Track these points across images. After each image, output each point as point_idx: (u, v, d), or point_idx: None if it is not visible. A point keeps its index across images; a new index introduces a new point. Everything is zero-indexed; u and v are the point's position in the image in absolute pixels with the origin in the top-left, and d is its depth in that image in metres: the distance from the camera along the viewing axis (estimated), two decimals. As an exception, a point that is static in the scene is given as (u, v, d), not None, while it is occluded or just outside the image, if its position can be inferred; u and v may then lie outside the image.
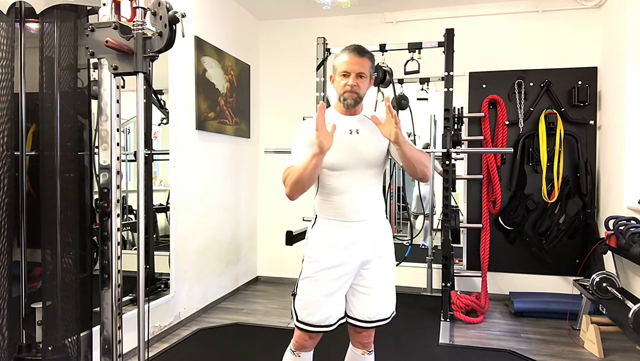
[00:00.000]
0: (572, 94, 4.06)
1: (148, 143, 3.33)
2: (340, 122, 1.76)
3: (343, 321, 1.84)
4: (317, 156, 1.61)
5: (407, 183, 5.90)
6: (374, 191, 1.82)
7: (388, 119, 1.65)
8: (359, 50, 1.78)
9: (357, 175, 1.77)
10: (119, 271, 1.67)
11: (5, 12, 1.65)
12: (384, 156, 1.82)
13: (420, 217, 5.77)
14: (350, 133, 1.78)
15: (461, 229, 3.94)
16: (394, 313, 1.90)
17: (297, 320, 1.81)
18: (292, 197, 1.72)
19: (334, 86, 1.81)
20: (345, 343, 1.98)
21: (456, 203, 3.98)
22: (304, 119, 2.22)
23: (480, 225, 4.05)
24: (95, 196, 1.70)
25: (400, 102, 4.15)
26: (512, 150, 3.98)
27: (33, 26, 1.70)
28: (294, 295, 1.85)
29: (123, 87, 1.69)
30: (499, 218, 4.20)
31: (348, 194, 1.77)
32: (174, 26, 1.54)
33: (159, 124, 3.55)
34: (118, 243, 1.66)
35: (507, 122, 4.18)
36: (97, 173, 1.66)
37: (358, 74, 1.75)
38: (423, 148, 5.27)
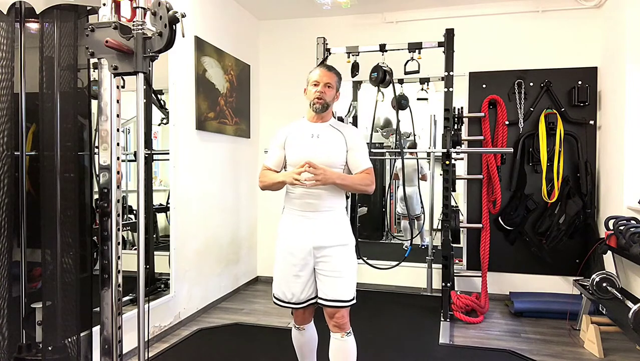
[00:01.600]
0: (572, 94, 4.06)
1: (148, 143, 3.33)
2: (306, 128, 2.16)
3: (313, 301, 2.14)
4: (284, 183, 2.07)
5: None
6: (329, 188, 2.07)
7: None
8: (328, 67, 2.19)
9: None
10: (119, 271, 1.67)
11: (5, 12, 1.65)
12: (339, 161, 2.11)
13: (414, 219, 5.73)
14: (312, 137, 2.12)
15: (461, 229, 3.94)
16: (354, 301, 2.10)
17: (273, 294, 2.23)
18: (261, 188, 2.22)
19: (306, 96, 2.18)
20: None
21: (456, 203, 3.98)
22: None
23: (480, 225, 4.05)
24: (95, 196, 1.70)
25: (400, 102, 4.15)
26: (512, 150, 3.98)
27: (33, 26, 1.70)
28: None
29: (123, 87, 1.69)
30: (499, 218, 4.20)
31: (303, 188, 2.04)
32: (174, 26, 1.54)
33: (159, 124, 3.55)
34: (118, 243, 1.66)
35: (507, 122, 4.18)
36: (97, 173, 1.66)
37: (326, 84, 2.12)
38: (409, 147, 5.26)
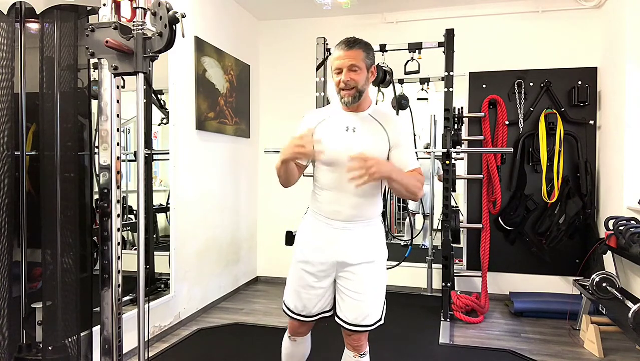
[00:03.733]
0: (572, 94, 4.06)
1: (148, 143, 3.33)
2: (338, 118, 1.75)
3: (328, 315, 1.85)
4: (284, 163, 1.65)
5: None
6: (363, 194, 1.72)
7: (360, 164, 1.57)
8: (348, 42, 1.69)
9: (346, 174, 1.64)
10: (119, 271, 1.67)
11: (5, 12, 1.65)
12: (381, 158, 1.71)
13: (418, 216, 5.78)
14: (346, 130, 1.73)
15: (461, 229, 3.94)
16: (381, 322, 1.82)
17: (284, 303, 1.90)
18: (284, 186, 1.81)
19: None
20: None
21: (456, 203, 3.98)
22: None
23: (480, 225, 4.05)
24: (95, 196, 1.70)
25: (400, 102, 4.15)
26: (512, 150, 3.98)
27: (33, 26, 1.71)
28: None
29: (123, 87, 1.69)
30: (499, 218, 4.20)
31: (334, 191, 1.75)
32: (174, 26, 1.54)
33: (159, 124, 3.55)
34: (118, 243, 1.66)
35: (507, 122, 4.18)
36: (97, 173, 1.66)
37: (350, 68, 1.67)
38: (424, 148, 5.29)
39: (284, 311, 1.89)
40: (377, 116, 1.77)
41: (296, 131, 1.80)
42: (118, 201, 1.66)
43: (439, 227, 3.74)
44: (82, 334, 1.72)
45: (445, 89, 3.55)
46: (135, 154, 2.79)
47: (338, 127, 1.74)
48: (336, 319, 1.82)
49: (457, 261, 4.21)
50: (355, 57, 1.68)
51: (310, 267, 1.79)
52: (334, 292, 1.83)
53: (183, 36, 1.60)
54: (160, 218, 3.64)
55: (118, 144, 1.65)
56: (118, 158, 1.65)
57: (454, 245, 3.69)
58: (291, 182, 1.78)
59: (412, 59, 3.69)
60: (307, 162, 1.80)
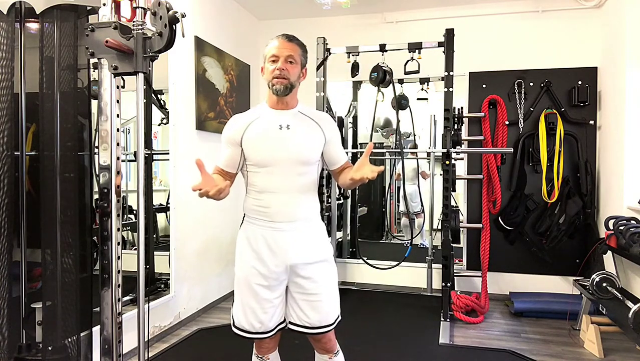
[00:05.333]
0: (572, 94, 4.06)
1: (148, 143, 3.33)
2: (270, 116, 1.72)
3: (283, 326, 1.79)
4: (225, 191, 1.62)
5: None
6: (305, 191, 1.73)
7: (364, 162, 1.59)
8: (288, 36, 1.72)
9: (286, 173, 1.67)
10: (119, 271, 1.67)
11: (5, 12, 1.65)
12: (317, 155, 1.74)
13: (414, 217, 5.81)
14: (280, 128, 1.70)
15: (461, 229, 3.94)
16: (339, 318, 1.81)
17: (234, 325, 1.78)
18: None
19: (264, 76, 1.74)
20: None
21: (456, 203, 3.98)
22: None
23: (480, 225, 4.05)
24: (95, 196, 1.70)
25: (400, 102, 4.15)
26: (512, 150, 3.98)
27: (33, 26, 1.71)
28: (233, 301, 1.80)
29: (123, 87, 1.69)
30: (499, 218, 4.20)
31: (275, 193, 1.70)
32: (174, 26, 1.54)
33: (159, 124, 3.55)
34: (118, 243, 1.66)
35: (507, 122, 4.17)
36: (97, 173, 1.66)
37: (287, 59, 1.67)
38: (410, 148, 5.32)
39: (238, 334, 1.77)
40: (308, 112, 1.78)
41: (223, 134, 1.76)
42: (118, 201, 1.66)
43: (439, 227, 3.74)
44: (82, 334, 1.72)
45: (445, 89, 3.55)
46: (135, 154, 2.79)
47: (271, 126, 1.70)
48: (295, 328, 1.76)
49: (457, 261, 4.21)
50: (294, 50, 1.70)
51: (261, 279, 1.70)
52: (285, 302, 1.78)
53: (183, 36, 1.60)
54: (160, 218, 3.64)
55: (118, 144, 1.65)
56: (118, 158, 1.65)
57: (454, 245, 3.69)
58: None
59: (412, 59, 3.69)
60: (236, 169, 1.78)
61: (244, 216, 1.82)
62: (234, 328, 1.79)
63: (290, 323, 1.78)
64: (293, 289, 1.75)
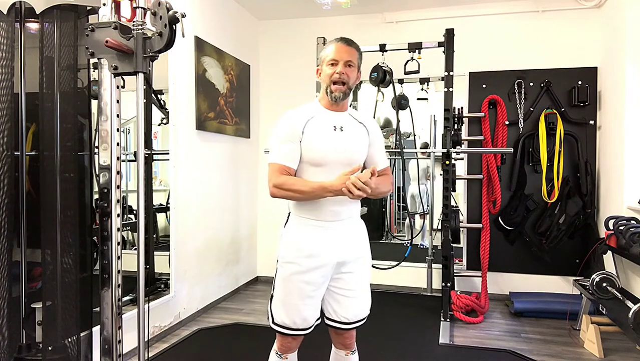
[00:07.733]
0: (572, 94, 4.06)
1: (148, 143, 3.33)
2: (324, 117, 1.75)
3: (319, 322, 1.82)
4: (329, 192, 1.62)
5: (406, 182, 5.92)
6: None
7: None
8: (347, 41, 1.74)
9: (335, 173, 1.67)
10: (119, 271, 1.67)
11: (5, 12, 1.65)
12: (362, 159, 1.80)
13: (418, 216, 5.83)
14: (335, 130, 1.73)
15: (461, 229, 3.94)
16: (368, 312, 1.89)
17: (274, 323, 1.81)
18: (274, 197, 1.72)
19: (320, 78, 1.77)
20: (328, 344, 1.98)
21: (456, 203, 3.98)
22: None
23: (480, 225, 4.05)
24: (95, 196, 1.70)
25: (400, 102, 4.15)
26: (512, 150, 3.98)
27: (33, 26, 1.70)
28: (272, 297, 1.84)
29: (123, 87, 1.69)
30: (499, 218, 4.20)
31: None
32: (174, 26, 1.54)
33: (159, 124, 3.55)
34: (118, 243, 1.66)
35: (507, 122, 4.18)
36: (97, 173, 1.66)
37: (346, 63, 1.70)
38: (421, 147, 5.32)
39: (280, 332, 1.79)
40: (356, 115, 1.83)
41: (280, 130, 1.74)
42: (118, 201, 1.66)
43: (439, 227, 3.74)
44: (82, 334, 1.71)
45: (445, 89, 3.55)
46: (135, 154, 2.79)
47: (326, 127, 1.73)
48: (331, 323, 1.82)
49: (457, 261, 4.21)
50: (352, 55, 1.73)
51: (308, 276, 1.73)
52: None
53: (183, 36, 1.60)
54: (160, 218, 3.64)
55: (118, 144, 1.65)
56: (118, 158, 1.65)
57: (454, 245, 3.69)
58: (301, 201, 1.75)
59: (412, 59, 3.69)
60: (297, 166, 1.77)
61: (289, 215, 1.83)
62: (273, 325, 1.81)
63: (327, 318, 1.82)
64: (333, 285, 1.79)
